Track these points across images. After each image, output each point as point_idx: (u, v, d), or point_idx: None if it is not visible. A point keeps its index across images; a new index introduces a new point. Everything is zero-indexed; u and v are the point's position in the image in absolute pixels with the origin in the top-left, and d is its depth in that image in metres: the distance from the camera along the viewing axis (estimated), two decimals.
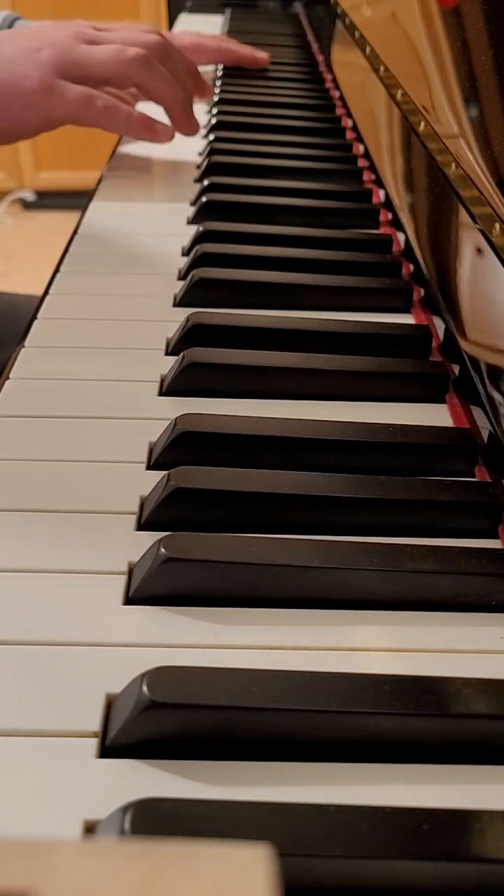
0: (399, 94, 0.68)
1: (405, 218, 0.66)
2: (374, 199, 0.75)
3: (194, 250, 0.62)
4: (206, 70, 1.13)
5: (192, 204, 0.75)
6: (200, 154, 0.86)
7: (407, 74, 0.67)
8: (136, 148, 0.87)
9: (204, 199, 0.71)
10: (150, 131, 0.75)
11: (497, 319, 0.46)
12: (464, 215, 0.51)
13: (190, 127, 0.82)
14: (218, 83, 1.05)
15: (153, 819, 0.26)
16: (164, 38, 0.80)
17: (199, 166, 0.82)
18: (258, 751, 0.29)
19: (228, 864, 0.16)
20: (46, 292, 0.60)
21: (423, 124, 0.61)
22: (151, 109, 0.83)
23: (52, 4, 2.67)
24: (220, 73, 1.09)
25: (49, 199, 3.02)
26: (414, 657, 0.34)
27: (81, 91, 0.71)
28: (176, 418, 0.44)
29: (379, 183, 0.77)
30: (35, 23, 0.97)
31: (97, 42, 0.75)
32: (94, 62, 0.73)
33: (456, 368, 0.51)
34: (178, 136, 0.88)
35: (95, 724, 0.30)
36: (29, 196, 3.03)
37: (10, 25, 0.96)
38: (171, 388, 0.49)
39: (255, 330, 0.53)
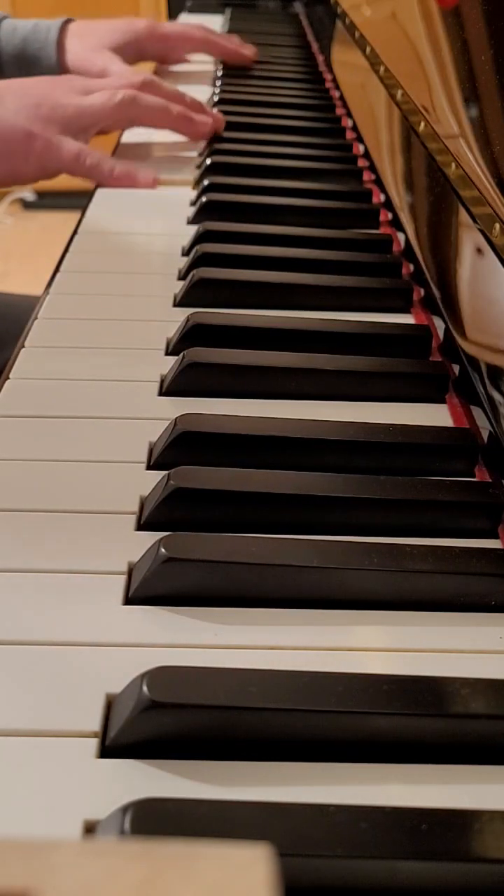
0: (399, 93, 0.68)
1: (405, 218, 0.66)
2: (374, 199, 0.75)
3: (194, 250, 0.62)
4: (207, 69, 1.13)
5: (192, 204, 0.75)
6: (200, 154, 0.86)
7: (407, 74, 0.67)
8: (136, 148, 0.87)
9: (204, 199, 0.71)
10: (131, 181, 0.80)
11: (497, 319, 0.46)
12: (464, 215, 0.51)
13: (206, 128, 0.86)
14: (218, 83, 1.05)
15: (153, 819, 0.26)
16: (150, 77, 0.86)
17: (199, 166, 0.82)
18: (258, 751, 0.29)
19: (228, 864, 0.16)
20: (46, 292, 0.60)
21: (423, 124, 0.61)
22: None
23: (53, 3, 2.67)
24: (220, 74, 1.09)
25: (49, 199, 3.02)
26: (414, 657, 0.34)
27: (74, 149, 0.77)
28: (176, 418, 0.44)
29: (379, 183, 0.77)
30: (22, 22, 0.99)
31: (89, 91, 0.81)
32: (88, 112, 0.78)
33: (456, 368, 0.51)
34: (178, 135, 0.88)
35: (95, 724, 0.30)
36: (29, 196, 3.03)
37: None
38: (171, 388, 0.49)
39: (255, 330, 0.53)
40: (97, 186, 0.79)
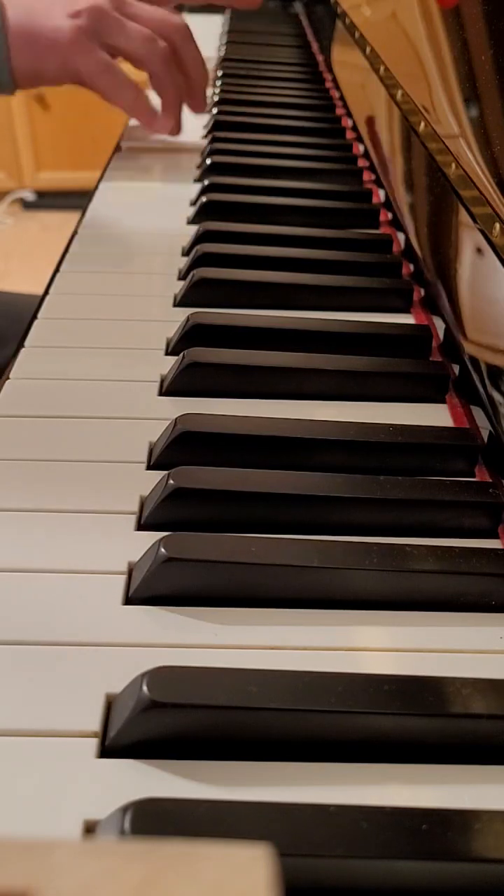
0: (399, 94, 0.68)
1: (405, 218, 0.66)
2: (374, 199, 0.75)
3: (194, 250, 0.62)
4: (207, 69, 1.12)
5: (192, 204, 0.75)
6: (200, 154, 0.86)
7: (407, 74, 0.67)
8: (137, 149, 0.87)
9: (204, 199, 0.71)
10: (149, 118, 0.79)
11: (497, 319, 0.46)
12: (464, 215, 0.51)
13: (174, 129, 0.87)
14: (218, 83, 1.05)
15: (153, 819, 0.26)
16: (186, 25, 0.84)
17: (199, 166, 0.82)
18: (258, 751, 0.29)
19: (228, 864, 0.16)
20: (46, 292, 0.60)
21: (423, 124, 0.61)
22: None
23: None
24: (220, 73, 1.09)
25: (49, 199, 3.02)
26: (414, 657, 0.34)
27: (107, 59, 0.75)
28: (176, 418, 0.44)
29: (379, 183, 0.77)
30: None
31: (129, 15, 0.79)
32: (124, 37, 0.77)
33: (456, 368, 0.51)
34: (179, 134, 0.88)
35: (95, 724, 0.30)
36: (29, 196, 3.03)
37: None
38: (171, 388, 0.49)
39: (255, 330, 0.53)
40: (97, 186, 0.79)
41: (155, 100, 0.86)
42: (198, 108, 0.90)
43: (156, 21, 0.81)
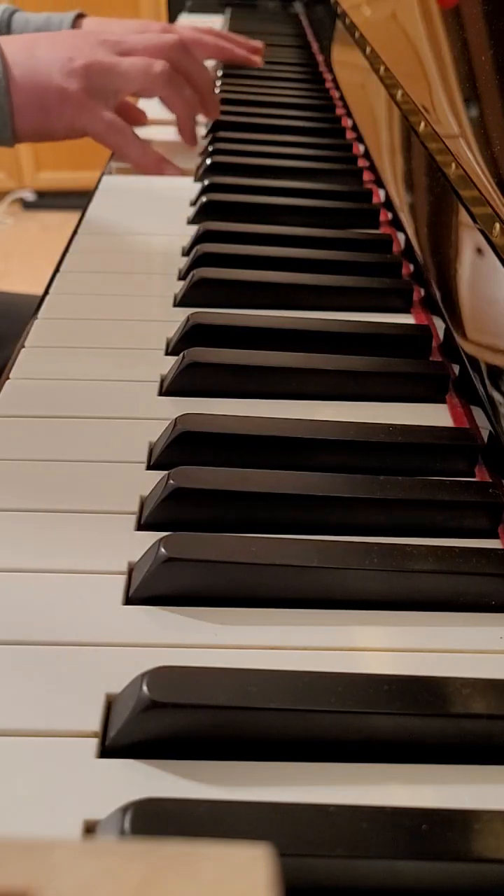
0: (399, 94, 0.68)
1: (405, 218, 0.66)
2: (374, 199, 0.75)
3: (194, 250, 0.62)
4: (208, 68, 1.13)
5: (192, 204, 0.75)
6: (200, 154, 0.86)
7: (407, 74, 0.67)
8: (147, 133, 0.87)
9: (204, 199, 0.71)
10: (158, 168, 0.81)
11: (497, 319, 0.46)
12: (464, 215, 0.51)
13: (192, 140, 0.89)
14: (218, 83, 1.05)
15: (153, 819, 0.26)
16: (181, 38, 0.86)
17: (199, 166, 0.82)
18: (258, 751, 0.29)
19: (228, 864, 0.16)
20: (46, 292, 0.60)
21: (423, 124, 0.61)
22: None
23: (53, 3, 2.67)
24: (220, 73, 1.09)
25: (49, 199, 3.02)
26: (414, 657, 0.34)
27: (111, 118, 0.77)
28: (176, 418, 0.44)
29: (379, 183, 0.77)
30: (34, 15, 0.98)
31: (122, 50, 0.81)
32: (123, 80, 0.78)
33: (456, 368, 0.51)
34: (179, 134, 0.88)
35: (95, 724, 0.30)
36: (29, 196, 3.03)
37: (9, 19, 0.97)
38: (171, 388, 0.49)
39: (255, 330, 0.53)
40: (96, 186, 0.79)
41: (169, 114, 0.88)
42: (211, 113, 0.91)
43: (150, 48, 0.83)
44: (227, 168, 0.78)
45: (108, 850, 0.16)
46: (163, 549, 0.35)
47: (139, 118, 0.95)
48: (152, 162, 0.80)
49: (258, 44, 1.14)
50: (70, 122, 0.76)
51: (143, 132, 0.89)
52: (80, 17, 1.00)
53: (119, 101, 0.80)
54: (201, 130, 0.92)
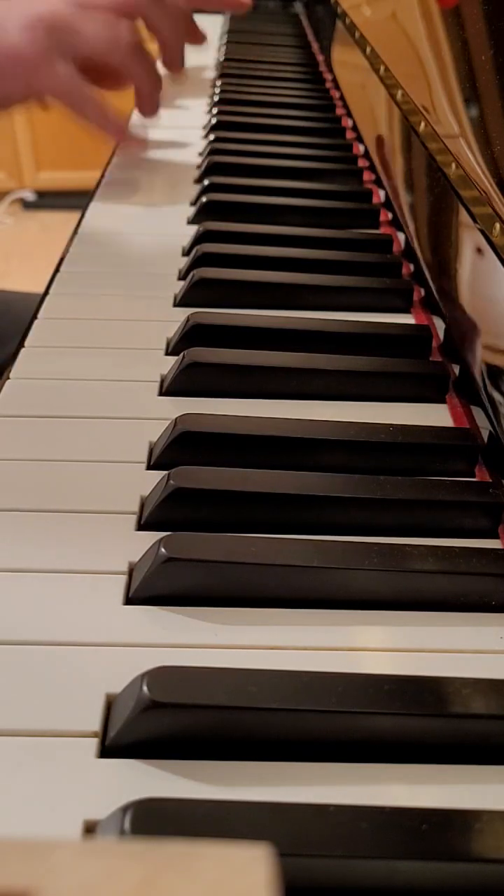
0: (399, 94, 0.68)
1: (405, 218, 0.66)
2: (374, 199, 0.75)
3: (194, 250, 0.62)
4: (207, 68, 1.13)
5: (192, 204, 0.75)
6: (200, 154, 0.86)
7: (407, 74, 0.67)
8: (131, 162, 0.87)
9: (204, 199, 0.71)
10: (117, 134, 0.76)
11: (497, 319, 0.46)
12: (464, 215, 0.51)
13: (152, 113, 0.83)
14: (218, 83, 1.05)
15: (153, 819, 0.26)
16: None
17: (199, 166, 0.82)
18: (258, 751, 0.29)
19: (228, 864, 0.16)
20: (46, 292, 0.60)
21: (423, 124, 0.61)
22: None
23: None
24: (220, 73, 1.09)
25: (49, 199, 3.02)
26: (414, 657, 0.34)
27: (68, 73, 0.71)
28: (176, 418, 0.44)
29: (379, 183, 0.77)
30: None
31: (88, 5, 0.74)
32: (84, 35, 0.72)
33: (456, 368, 0.51)
34: (178, 134, 0.88)
35: (95, 724, 0.30)
36: (29, 196, 3.03)
37: None
38: (172, 388, 0.49)
39: (255, 330, 0.53)
40: (96, 187, 0.78)
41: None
42: (175, 70, 0.86)
43: (118, 4, 0.76)
44: (227, 168, 0.78)
45: (108, 850, 0.16)
46: (163, 549, 0.35)
47: (198, 37, 0.89)
48: (112, 127, 0.75)
49: None
50: (25, 79, 0.71)
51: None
52: None
53: (79, 58, 0.73)
54: (200, 132, 0.92)
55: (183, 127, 0.92)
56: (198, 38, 0.88)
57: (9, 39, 0.70)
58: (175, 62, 0.87)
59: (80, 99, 0.73)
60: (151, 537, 0.37)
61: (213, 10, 1.06)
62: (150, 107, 0.83)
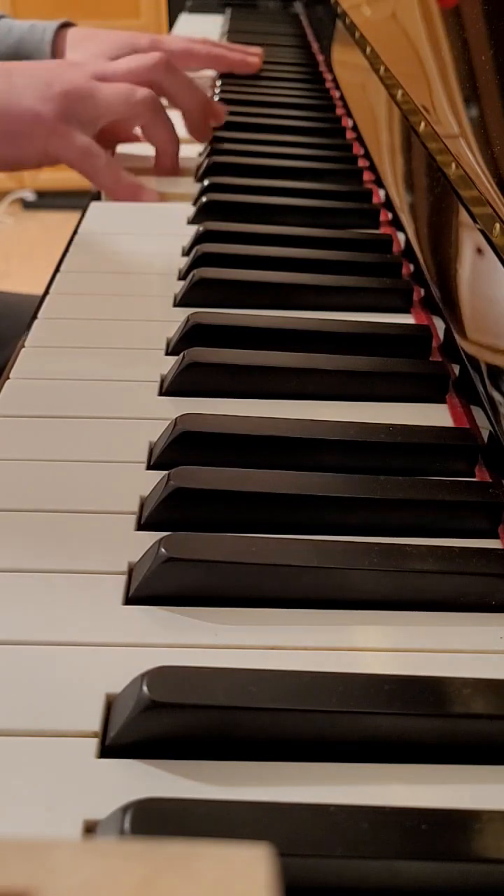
0: (399, 94, 0.68)
1: (405, 218, 0.66)
2: (374, 199, 0.75)
3: (194, 250, 0.62)
4: (207, 72, 1.13)
5: (193, 204, 0.75)
6: (200, 154, 0.86)
7: (407, 74, 0.67)
8: (137, 149, 0.87)
9: (204, 199, 0.71)
10: (134, 197, 0.77)
11: (497, 319, 0.46)
12: (464, 215, 0.51)
13: (172, 171, 0.83)
14: (218, 83, 1.05)
15: (153, 819, 0.26)
16: (164, 58, 0.82)
17: (199, 166, 0.82)
18: (258, 751, 0.29)
19: (228, 864, 0.16)
20: (46, 292, 0.60)
21: (423, 124, 0.61)
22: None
23: (52, 4, 2.67)
24: (220, 74, 1.09)
25: (49, 199, 3.02)
26: (414, 657, 0.34)
27: (85, 143, 0.73)
28: (176, 418, 0.44)
29: (379, 183, 0.77)
30: (18, 22, 0.97)
31: (102, 76, 0.77)
32: (103, 104, 0.74)
33: (456, 368, 0.51)
34: (178, 134, 0.88)
35: (95, 724, 0.30)
36: (29, 196, 3.03)
37: None
38: (172, 388, 0.49)
39: (255, 330, 0.53)
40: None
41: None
42: (200, 137, 0.88)
43: (132, 73, 0.79)
44: (227, 168, 0.78)
45: (108, 850, 0.16)
46: (163, 549, 0.35)
47: (219, 116, 0.90)
48: (127, 190, 0.77)
49: (257, 49, 1.11)
50: (41, 147, 0.72)
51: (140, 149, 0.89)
52: (65, 25, 0.97)
53: (98, 128, 0.76)
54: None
55: (183, 126, 0.92)
56: (217, 115, 0.89)
57: (30, 106, 0.72)
58: (201, 128, 0.87)
59: (94, 168, 0.75)
60: (151, 537, 0.37)
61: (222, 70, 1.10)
62: (169, 166, 0.83)
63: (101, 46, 0.93)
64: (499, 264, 0.45)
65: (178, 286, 0.61)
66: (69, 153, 0.73)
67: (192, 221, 0.71)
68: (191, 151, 0.86)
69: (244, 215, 0.70)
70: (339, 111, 0.98)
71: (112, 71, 0.79)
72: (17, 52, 0.96)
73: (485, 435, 0.45)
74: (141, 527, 0.39)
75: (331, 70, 1.12)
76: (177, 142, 0.82)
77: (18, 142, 0.72)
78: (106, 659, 0.33)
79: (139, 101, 0.76)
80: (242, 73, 1.09)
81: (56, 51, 0.95)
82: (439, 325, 0.55)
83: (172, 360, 0.51)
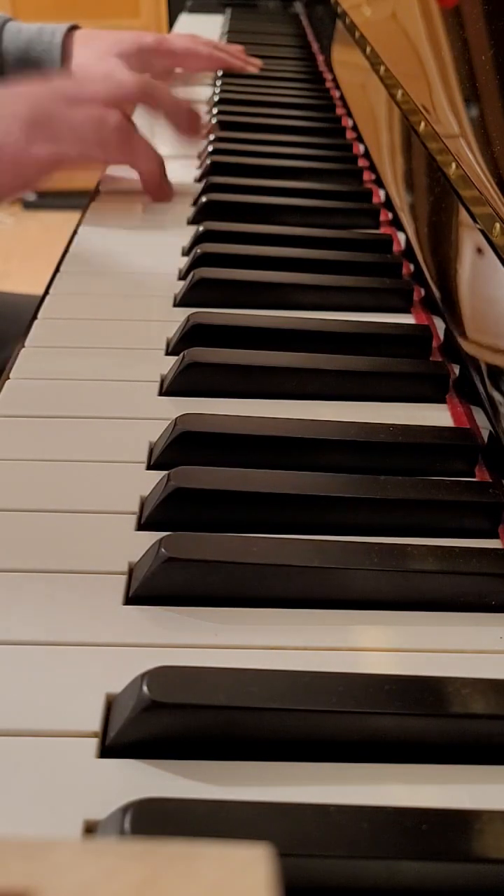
0: (399, 93, 0.68)
1: (405, 218, 0.66)
2: (374, 199, 0.75)
3: (194, 250, 0.62)
4: (206, 73, 1.13)
5: (193, 204, 0.75)
6: (200, 154, 0.86)
7: (407, 74, 0.67)
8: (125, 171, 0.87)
9: (204, 199, 0.71)
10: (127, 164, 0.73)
11: (497, 319, 0.46)
12: (464, 215, 0.51)
13: (164, 195, 0.78)
14: (218, 83, 1.05)
15: (153, 819, 0.26)
16: (143, 82, 0.78)
17: (199, 166, 0.82)
18: (258, 751, 0.29)
19: (228, 864, 0.16)
20: (46, 292, 0.60)
21: (423, 124, 0.61)
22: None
23: (53, 5, 2.67)
24: (220, 73, 1.09)
25: (49, 199, 3.02)
26: (414, 657, 0.34)
27: (53, 153, 0.69)
28: (176, 418, 0.44)
29: (379, 183, 0.77)
30: (27, 25, 0.97)
31: (78, 99, 0.71)
32: (70, 135, 0.69)
33: (456, 368, 0.51)
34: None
35: (95, 724, 0.30)
36: (29, 196, 3.03)
37: (1, 28, 0.96)
38: (171, 388, 0.49)
39: (255, 330, 0.53)
40: (97, 187, 0.78)
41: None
42: (192, 134, 0.84)
43: (109, 100, 0.73)
44: (227, 168, 0.78)
45: (108, 850, 0.16)
46: (163, 549, 0.35)
47: (196, 129, 0.85)
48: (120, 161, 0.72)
49: (257, 62, 1.13)
50: (13, 174, 0.69)
51: None
52: (73, 28, 0.97)
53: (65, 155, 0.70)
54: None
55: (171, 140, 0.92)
56: (196, 128, 0.84)
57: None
58: (191, 129, 0.83)
59: (74, 161, 0.71)
60: (151, 537, 0.37)
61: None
62: (156, 191, 0.77)
63: (107, 46, 0.94)
64: (499, 264, 0.45)
65: (178, 286, 0.61)
66: (40, 167, 0.69)
67: (191, 221, 0.71)
68: (186, 173, 0.86)
69: (244, 215, 0.70)
70: (339, 111, 0.98)
71: (90, 95, 0.72)
72: (27, 54, 0.96)
73: (485, 435, 0.45)
74: (141, 527, 0.39)
75: (331, 70, 1.12)
76: (161, 165, 0.76)
77: None
78: (106, 659, 0.33)
79: (111, 129, 0.70)
80: (241, 72, 1.09)
81: (65, 53, 0.95)
82: (439, 325, 0.55)
83: (172, 360, 0.51)
